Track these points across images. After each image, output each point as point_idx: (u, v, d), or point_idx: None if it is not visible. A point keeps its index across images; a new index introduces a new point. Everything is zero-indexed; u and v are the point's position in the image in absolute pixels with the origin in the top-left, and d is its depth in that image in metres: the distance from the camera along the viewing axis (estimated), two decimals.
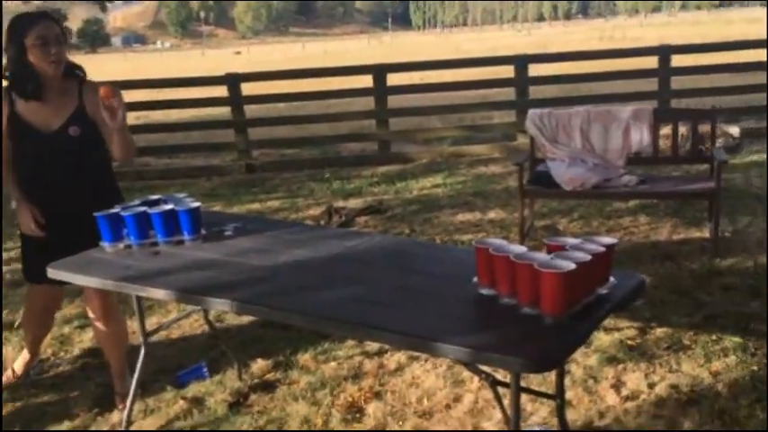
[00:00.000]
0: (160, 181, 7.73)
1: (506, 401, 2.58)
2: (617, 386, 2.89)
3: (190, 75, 9.14)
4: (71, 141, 2.81)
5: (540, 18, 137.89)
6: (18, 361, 3.30)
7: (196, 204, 2.66)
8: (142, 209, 2.63)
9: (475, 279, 2.03)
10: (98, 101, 2.64)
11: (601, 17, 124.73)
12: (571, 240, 1.99)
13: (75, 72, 2.89)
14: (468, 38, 42.32)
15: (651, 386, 2.87)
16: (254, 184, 7.40)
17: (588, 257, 1.83)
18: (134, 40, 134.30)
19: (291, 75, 8.81)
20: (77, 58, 3.08)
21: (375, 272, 2.28)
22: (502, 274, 1.91)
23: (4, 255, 5.19)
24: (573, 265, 1.76)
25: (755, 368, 2.93)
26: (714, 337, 3.22)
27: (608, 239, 1.96)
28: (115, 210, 2.62)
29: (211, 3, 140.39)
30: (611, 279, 1.97)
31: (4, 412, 3.01)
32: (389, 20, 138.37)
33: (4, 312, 4.08)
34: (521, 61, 7.86)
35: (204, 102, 8.32)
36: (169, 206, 2.64)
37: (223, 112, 8.42)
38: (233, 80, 7.87)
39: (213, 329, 3.29)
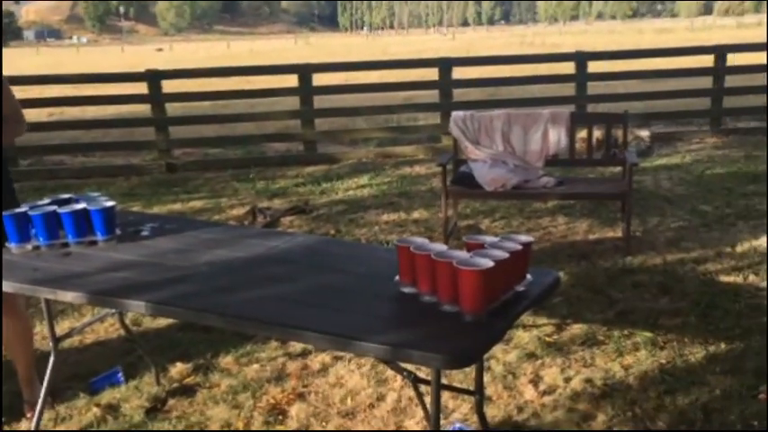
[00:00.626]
0: (75, 180, 7.43)
1: (428, 399, 2.61)
2: (535, 381, 2.97)
3: (109, 71, 8.80)
4: None
5: (465, 23, 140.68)
6: None
7: (110, 203, 2.56)
8: (52, 208, 2.51)
9: (397, 277, 2.04)
10: None
11: (522, 24, 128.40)
12: (489, 239, 2.03)
13: None
14: (394, 41, 42.66)
15: (567, 380, 2.96)
16: (176, 183, 7.21)
17: (506, 255, 1.87)
18: (48, 34, 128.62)
19: (215, 73, 8.65)
20: None
21: (297, 271, 2.26)
22: (423, 272, 1.93)
23: None
24: (491, 263, 1.79)
25: (663, 361, 3.07)
26: (626, 332, 3.36)
27: (525, 238, 2.01)
28: (22, 209, 2.50)
29: None
30: (528, 276, 2.01)
31: None
32: (316, 20, 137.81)
33: None
34: (445, 64, 7.98)
35: (123, 99, 8.04)
36: (81, 205, 2.54)
37: (143, 109, 8.17)
38: (153, 77, 7.66)
39: (129, 333, 3.18)
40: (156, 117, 7.76)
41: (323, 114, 8.30)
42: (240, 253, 2.44)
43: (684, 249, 4.47)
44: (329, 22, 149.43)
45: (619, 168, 5.30)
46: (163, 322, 3.63)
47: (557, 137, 4.92)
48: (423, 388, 2.58)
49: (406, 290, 2.00)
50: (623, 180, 4.70)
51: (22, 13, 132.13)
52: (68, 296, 2.14)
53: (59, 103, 8.25)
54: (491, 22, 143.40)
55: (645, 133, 7.76)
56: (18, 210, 2.49)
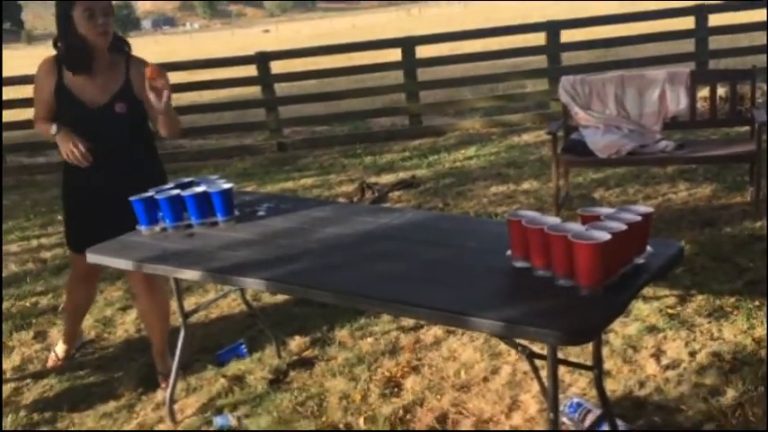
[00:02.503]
0: (194, 162, 7.81)
1: (543, 373, 2.58)
2: (657, 355, 2.86)
3: (220, 55, 9.14)
4: (116, 118, 2.81)
5: None
6: (59, 345, 3.38)
7: (228, 186, 2.67)
8: (175, 192, 2.65)
9: (509, 252, 2.01)
10: (144, 78, 2.64)
11: None
12: (605, 210, 1.95)
13: (121, 47, 2.89)
14: (497, 6, 41.55)
15: (692, 354, 2.83)
16: (286, 162, 7.42)
17: (624, 227, 1.79)
18: (163, 22, 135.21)
19: (320, 51, 8.76)
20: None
21: (408, 248, 2.27)
22: (536, 247, 1.89)
23: (44, 239, 5.33)
24: (608, 236, 1.73)
25: None
26: (757, 303, 3.15)
27: (644, 208, 1.92)
28: (149, 193, 2.65)
29: None
30: (649, 248, 1.93)
31: (51, 394, 3.10)
32: None
33: (47, 297, 4.20)
34: (552, 27, 7.70)
35: (234, 82, 8.34)
36: (202, 188, 2.66)
37: (253, 91, 8.44)
38: (262, 59, 7.88)
39: (251, 309, 3.33)
40: (266, 98, 8.00)
41: (427, 87, 8.24)
42: (351, 230, 2.49)
43: None
44: None
45: (746, 128, 4.94)
46: (280, 298, 3.78)
47: (676, 98, 4.65)
48: (538, 362, 2.55)
49: (519, 264, 1.97)
50: (752, 140, 4.38)
51: (138, 5, 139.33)
52: (194, 274, 2.27)
53: (177, 89, 8.64)
54: None
55: None
56: (145, 194, 2.64)
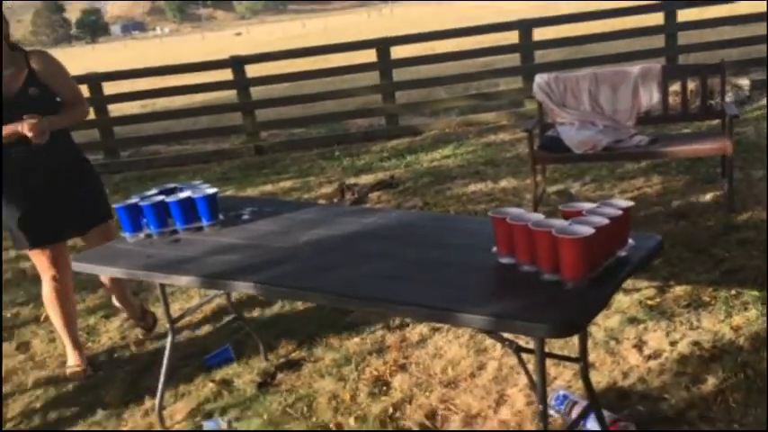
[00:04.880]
0: (171, 168, 7.77)
1: (530, 367, 2.62)
2: (639, 346, 2.92)
3: (193, 60, 9.08)
4: (32, 100, 2.99)
5: None
6: (70, 356, 3.33)
7: (213, 191, 2.68)
8: (159, 198, 2.66)
9: (494, 249, 2.05)
10: (48, 67, 3.07)
11: None
12: (587, 205, 2.00)
13: (18, 46, 3.13)
14: (470, 5, 41.81)
15: (673, 344, 2.89)
16: (265, 165, 7.42)
17: (606, 221, 1.84)
18: (133, 27, 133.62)
19: (295, 54, 8.76)
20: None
21: (394, 247, 2.30)
22: (521, 243, 1.93)
23: (12, 252, 5.26)
24: (591, 230, 1.77)
25: None
26: (733, 292, 3.23)
27: (624, 202, 1.97)
28: (133, 200, 2.66)
29: None
30: (630, 241, 1.98)
31: (38, 404, 3.08)
32: None
33: (29, 307, 4.16)
34: (525, 26, 7.78)
35: (210, 86, 8.30)
36: (186, 194, 2.67)
37: (229, 95, 8.41)
38: (237, 63, 7.86)
39: (236, 313, 3.34)
40: (243, 101, 7.98)
41: (403, 87, 8.28)
42: (337, 231, 2.51)
43: None
44: None
45: (717, 121, 5.05)
46: (264, 301, 3.78)
47: (648, 93, 4.73)
48: (525, 356, 2.59)
49: (504, 260, 2.01)
50: (723, 133, 4.48)
51: (107, 9, 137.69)
52: (182, 280, 2.27)
53: (151, 95, 8.60)
54: None
55: (744, 82, 7.33)
56: (129, 201, 2.64)
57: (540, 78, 4.97)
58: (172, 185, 2.85)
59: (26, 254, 5.05)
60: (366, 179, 6.19)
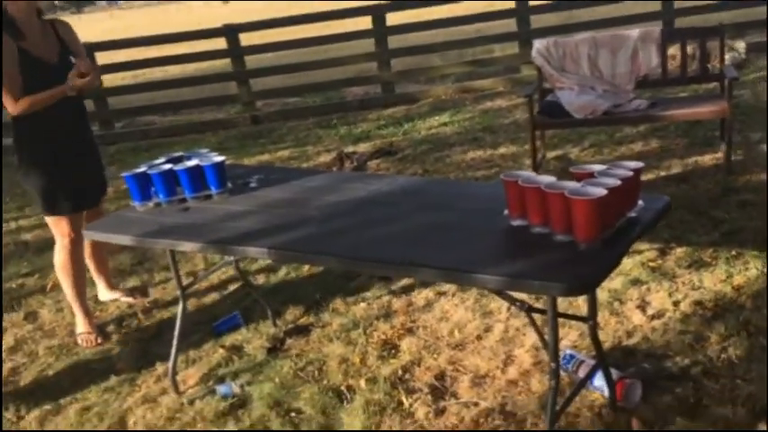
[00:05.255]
0: (166, 138, 7.73)
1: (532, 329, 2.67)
2: (642, 306, 2.97)
3: (183, 29, 8.96)
4: (70, 68, 3.03)
5: None
6: (81, 324, 3.36)
7: (220, 159, 2.69)
8: (168, 166, 2.66)
9: (505, 212, 2.07)
10: (72, 35, 3.19)
11: None
12: (598, 167, 2.02)
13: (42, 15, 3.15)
14: None
15: (676, 304, 2.95)
16: (261, 135, 7.39)
17: (618, 182, 1.87)
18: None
19: (290, 21, 8.62)
20: (63, 19, 3.32)
21: (404, 212, 2.33)
22: (533, 205, 1.95)
23: (23, 221, 5.27)
24: (604, 192, 1.80)
25: None
26: (734, 253, 3.28)
27: (635, 163, 2.00)
28: (142, 169, 2.66)
29: None
30: (640, 202, 2.01)
31: (51, 372, 3.12)
32: None
33: (34, 278, 4.18)
34: None
35: (204, 55, 8.22)
36: (194, 162, 2.68)
37: (220, 64, 8.34)
38: (231, 31, 7.77)
39: (245, 280, 3.37)
40: (238, 71, 7.91)
41: (398, 54, 8.22)
42: (345, 197, 2.53)
43: None
44: None
45: (713, 84, 5.06)
46: (269, 268, 3.82)
47: (648, 57, 4.74)
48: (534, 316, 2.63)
49: (516, 223, 2.04)
50: (721, 96, 4.50)
51: None
52: (197, 246, 2.29)
53: (143, 65, 8.51)
54: None
55: (740, 44, 7.33)
56: (138, 170, 2.65)
57: (538, 43, 4.96)
58: (179, 154, 2.85)
59: (27, 225, 5.11)
60: (364, 147, 6.19)
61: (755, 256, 3.21)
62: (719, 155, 4.57)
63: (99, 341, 3.30)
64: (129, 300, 3.70)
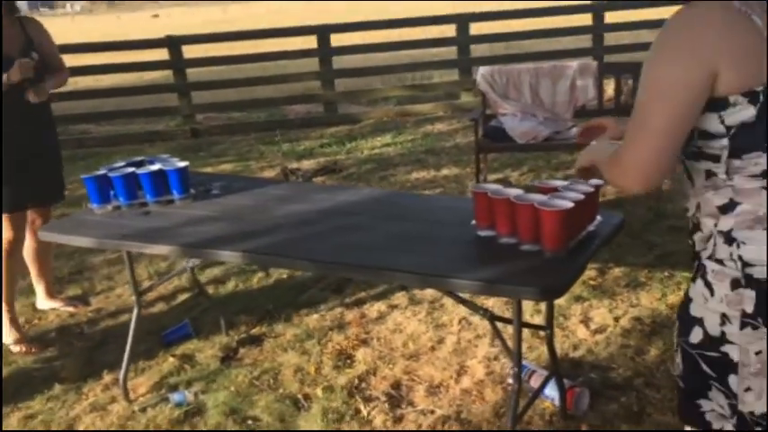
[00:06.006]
0: (102, 148, 7.53)
1: (489, 338, 2.76)
2: (585, 321, 3.12)
3: (114, 39, 8.82)
4: (35, 64, 3.08)
5: None
6: (9, 334, 3.25)
7: (184, 164, 2.68)
8: (130, 170, 2.64)
9: (473, 222, 2.16)
10: (41, 33, 3.24)
11: None
12: (560, 182, 2.14)
13: (10, 11, 3.16)
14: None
15: (616, 320, 3.11)
16: (201, 148, 7.31)
17: (581, 197, 1.99)
18: (41, 3, 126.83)
19: (235, 37, 8.61)
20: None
21: (371, 221, 2.38)
22: (501, 216, 2.05)
23: None
24: (571, 204, 1.91)
25: None
26: (667, 274, 3.50)
27: (595, 180, 2.12)
28: (102, 171, 2.62)
29: None
30: (599, 217, 2.14)
31: None
32: None
33: None
34: (462, 20, 7.97)
35: (146, 65, 8.07)
36: (157, 166, 2.66)
37: (159, 75, 8.22)
38: (174, 43, 7.69)
39: (200, 288, 3.33)
40: (179, 83, 7.82)
41: (341, 75, 8.32)
42: (312, 206, 2.57)
43: None
44: None
45: None
46: (217, 279, 3.79)
47: (585, 88, 5.00)
48: (482, 325, 2.72)
49: (484, 233, 2.13)
50: None
51: None
52: (166, 249, 2.28)
53: (81, 72, 8.28)
54: None
55: None
56: (98, 172, 2.61)
57: (483, 70, 5.15)
58: (140, 158, 2.82)
59: None
60: (308, 164, 6.22)
61: (686, 278, 3.43)
62: None
63: (33, 349, 3.19)
64: (70, 309, 3.59)
